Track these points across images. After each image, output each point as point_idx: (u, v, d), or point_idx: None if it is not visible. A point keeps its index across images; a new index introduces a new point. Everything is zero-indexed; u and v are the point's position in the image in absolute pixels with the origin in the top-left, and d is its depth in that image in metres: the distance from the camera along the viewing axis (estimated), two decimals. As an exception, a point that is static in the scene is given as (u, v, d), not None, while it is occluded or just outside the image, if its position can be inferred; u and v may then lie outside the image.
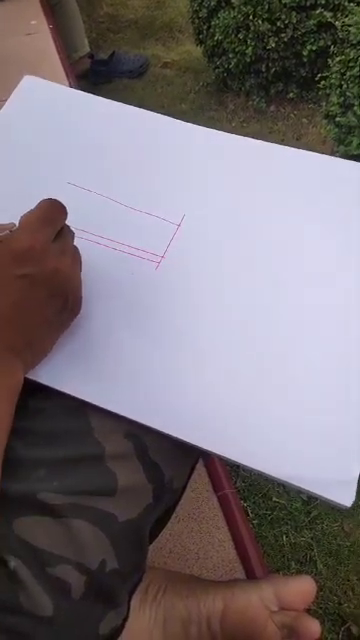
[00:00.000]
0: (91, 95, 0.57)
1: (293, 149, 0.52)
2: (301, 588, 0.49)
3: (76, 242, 0.44)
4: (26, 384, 0.44)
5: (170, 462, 0.40)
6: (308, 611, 0.93)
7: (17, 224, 0.40)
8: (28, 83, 0.58)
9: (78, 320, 0.43)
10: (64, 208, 0.40)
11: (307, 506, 1.09)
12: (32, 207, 0.49)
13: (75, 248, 0.42)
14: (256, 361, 0.42)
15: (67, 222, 0.44)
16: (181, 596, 0.51)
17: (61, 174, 0.52)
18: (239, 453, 0.39)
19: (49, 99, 0.57)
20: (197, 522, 0.61)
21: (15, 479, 0.38)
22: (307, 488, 0.38)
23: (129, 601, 0.39)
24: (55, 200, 0.40)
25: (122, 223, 0.49)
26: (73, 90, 0.58)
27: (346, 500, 0.37)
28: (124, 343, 0.42)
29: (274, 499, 1.09)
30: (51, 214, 0.39)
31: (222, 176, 0.51)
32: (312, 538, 1.05)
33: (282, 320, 0.44)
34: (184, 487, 0.50)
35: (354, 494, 0.37)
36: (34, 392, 0.44)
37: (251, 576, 0.56)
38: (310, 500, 1.09)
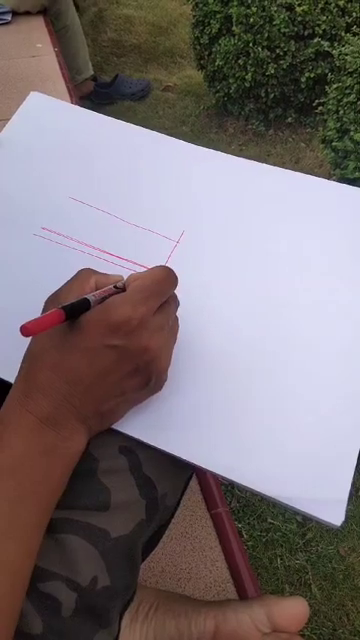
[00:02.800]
0: (95, 113, 0.58)
1: (291, 171, 0.53)
2: (294, 610, 0.49)
3: (75, 255, 0.44)
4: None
5: (164, 478, 0.40)
6: (302, 636, 0.91)
7: (125, 279, 0.38)
8: (34, 99, 0.60)
9: None
10: (176, 279, 0.38)
11: (302, 528, 1.08)
12: (33, 219, 0.52)
13: (175, 320, 0.40)
14: (251, 379, 0.42)
15: (67, 235, 0.45)
16: (172, 615, 0.50)
17: (63, 188, 0.53)
18: (230, 470, 0.39)
19: (54, 115, 0.59)
20: (190, 541, 0.60)
21: None
22: (297, 507, 0.38)
23: (120, 620, 0.39)
24: (169, 270, 0.38)
25: (121, 238, 0.50)
26: (78, 107, 0.59)
27: (336, 520, 0.37)
28: None
29: (269, 520, 1.08)
30: (161, 286, 0.37)
31: (222, 195, 0.52)
32: (307, 561, 1.04)
33: (280, 339, 0.44)
34: (177, 504, 0.50)
35: (344, 514, 0.37)
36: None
37: (243, 596, 0.56)
38: (305, 522, 1.08)
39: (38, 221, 0.51)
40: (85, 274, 0.38)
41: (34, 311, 0.46)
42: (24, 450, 0.33)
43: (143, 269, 0.48)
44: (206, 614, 0.50)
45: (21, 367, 0.36)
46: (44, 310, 0.37)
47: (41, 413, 0.33)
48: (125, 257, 0.49)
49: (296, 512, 0.38)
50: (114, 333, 0.34)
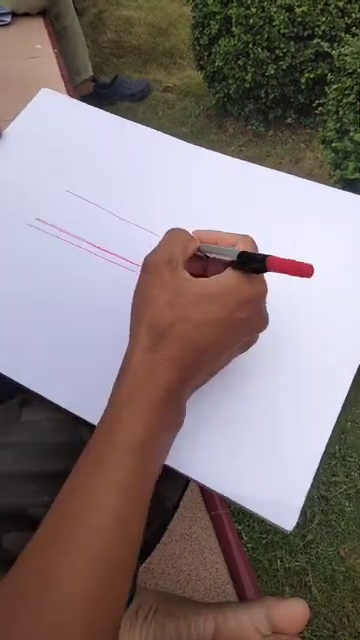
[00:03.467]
0: (103, 111, 0.59)
1: (292, 176, 0.53)
2: (294, 611, 0.49)
3: (66, 248, 0.45)
4: (17, 395, 0.44)
5: (162, 480, 0.40)
6: (302, 638, 0.91)
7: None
8: (44, 95, 0.61)
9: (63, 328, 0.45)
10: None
11: (302, 530, 1.07)
12: (29, 209, 0.52)
13: None
14: (212, 380, 0.42)
15: (60, 227, 0.47)
16: (172, 617, 0.50)
17: (61, 182, 0.54)
18: (187, 467, 0.39)
19: (62, 111, 0.60)
20: (190, 542, 0.60)
21: (5, 493, 0.38)
22: (252, 509, 0.38)
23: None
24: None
25: (115, 235, 0.50)
26: (87, 105, 0.60)
27: (288, 525, 0.37)
28: (111, 359, 0.42)
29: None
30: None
31: (220, 197, 0.52)
32: (307, 563, 1.04)
33: (256, 348, 0.43)
34: (176, 506, 0.50)
35: (296, 519, 0.37)
36: (27, 404, 0.44)
37: (243, 598, 0.55)
38: (305, 524, 1.08)
39: (33, 212, 0.52)
40: (183, 236, 0.38)
41: (19, 297, 0.48)
42: (154, 425, 0.33)
43: (135, 266, 0.48)
44: (206, 616, 0.49)
45: (138, 339, 0.34)
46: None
47: (170, 388, 0.33)
48: (117, 253, 0.49)
49: (248, 512, 0.38)
50: (245, 306, 0.35)
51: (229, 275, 0.35)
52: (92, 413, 0.40)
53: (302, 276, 0.32)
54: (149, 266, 0.36)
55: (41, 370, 0.44)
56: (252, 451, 0.40)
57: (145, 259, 0.36)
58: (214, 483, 0.39)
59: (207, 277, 0.36)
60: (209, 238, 0.38)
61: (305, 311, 0.45)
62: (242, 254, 0.35)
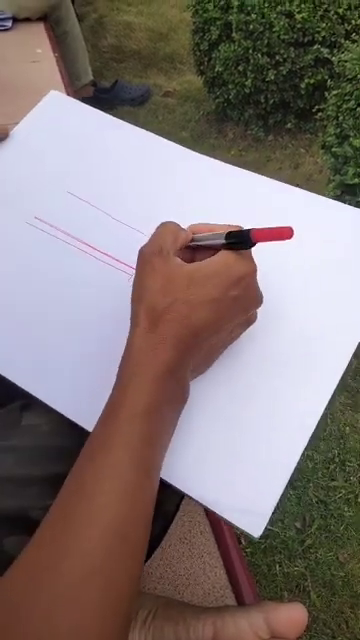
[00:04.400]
0: (110, 116, 0.60)
1: (283, 184, 0.53)
2: (292, 616, 0.48)
3: (63, 248, 0.47)
4: (18, 399, 0.44)
5: (162, 484, 0.40)
6: (301, 642, 0.90)
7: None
8: (53, 97, 0.62)
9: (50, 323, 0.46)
10: None
11: (301, 535, 1.07)
12: (28, 208, 0.53)
13: None
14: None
15: (58, 227, 0.49)
16: (170, 622, 0.50)
17: (63, 183, 0.55)
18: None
19: (69, 113, 0.60)
20: (189, 547, 0.60)
21: (6, 496, 0.38)
22: (220, 514, 0.38)
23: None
24: None
25: (113, 238, 0.51)
26: (94, 109, 0.61)
27: (256, 531, 0.37)
28: (108, 360, 0.42)
29: (268, 527, 1.07)
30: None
31: (216, 204, 0.52)
32: (306, 568, 1.04)
33: (234, 351, 0.43)
34: (175, 510, 0.50)
35: (264, 526, 0.37)
36: (28, 408, 0.44)
37: (241, 602, 0.55)
38: (305, 529, 1.08)
39: (33, 211, 0.53)
40: (173, 228, 0.39)
41: (14, 295, 0.48)
42: (157, 397, 0.34)
43: (131, 269, 0.48)
44: (204, 620, 0.49)
45: (138, 323, 0.36)
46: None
47: (170, 364, 0.35)
48: (115, 256, 0.50)
49: (219, 517, 0.39)
50: (237, 284, 0.36)
51: (218, 256, 0.37)
52: (86, 418, 0.40)
53: (284, 239, 0.34)
54: (142, 257, 0.38)
55: (36, 371, 0.44)
56: (224, 456, 0.40)
57: (139, 252, 0.39)
58: (183, 484, 0.39)
59: None
60: (202, 229, 0.41)
61: (289, 318, 0.45)
62: (229, 234, 0.37)
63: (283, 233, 0.34)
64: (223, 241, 0.38)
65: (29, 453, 0.41)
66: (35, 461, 0.40)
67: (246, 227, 0.38)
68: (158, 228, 0.40)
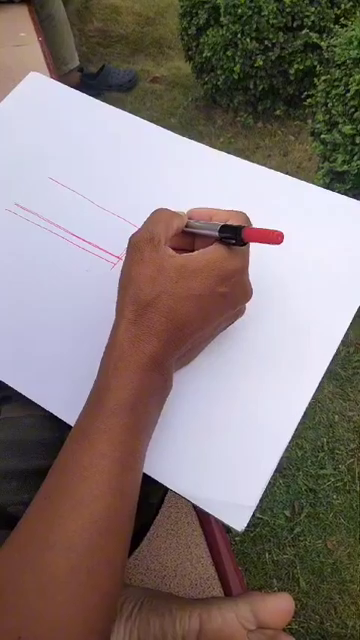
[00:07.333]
0: (92, 98, 0.58)
1: (273, 171, 0.51)
2: (279, 606, 0.48)
3: (43, 235, 0.45)
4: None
5: (146, 476, 0.40)
6: (290, 630, 0.91)
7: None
8: (32, 79, 0.59)
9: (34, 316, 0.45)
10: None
11: (290, 523, 1.08)
12: (8, 194, 0.51)
13: None
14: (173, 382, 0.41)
15: (39, 214, 0.47)
16: (157, 614, 0.49)
17: (44, 168, 0.53)
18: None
19: (50, 96, 0.58)
20: (176, 538, 0.59)
21: None
22: (203, 507, 0.38)
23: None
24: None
25: (95, 225, 0.50)
26: (75, 91, 0.59)
27: (240, 525, 0.37)
28: (89, 352, 0.41)
29: (257, 515, 1.08)
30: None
31: (204, 190, 0.51)
32: (295, 555, 1.04)
33: (219, 342, 0.43)
34: (161, 502, 0.49)
35: (248, 520, 0.37)
36: (8, 401, 0.43)
37: (229, 593, 0.55)
38: (294, 516, 1.08)
39: (13, 197, 0.52)
40: (166, 215, 0.38)
41: None
42: (141, 389, 0.34)
43: (113, 257, 0.47)
44: (191, 612, 0.49)
45: (123, 314, 0.36)
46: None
47: (153, 355, 0.35)
48: (95, 244, 0.49)
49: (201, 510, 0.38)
50: (226, 280, 0.36)
51: (211, 250, 0.36)
52: (67, 411, 0.39)
53: (273, 244, 0.34)
54: (132, 245, 0.37)
55: (15, 362, 0.43)
56: (207, 449, 0.39)
57: (129, 239, 0.37)
58: (165, 478, 0.38)
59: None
60: (202, 215, 0.39)
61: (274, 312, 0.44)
62: (223, 228, 0.36)
63: (273, 238, 0.34)
64: (217, 234, 0.37)
65: (8, 447, 0.40)
66: (14, 455, 0.40)
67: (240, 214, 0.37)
68: (151, 215, 0.38)
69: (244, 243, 0.36)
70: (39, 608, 0.29)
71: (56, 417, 0.40)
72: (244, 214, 0.39)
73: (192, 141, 0.54)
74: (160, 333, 0.34)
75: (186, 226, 0.39)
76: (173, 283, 0.35)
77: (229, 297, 0.37)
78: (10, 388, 0.42)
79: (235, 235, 0.35)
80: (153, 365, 0.35)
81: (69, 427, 0.38)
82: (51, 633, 0.29)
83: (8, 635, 0.28)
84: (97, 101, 0.58)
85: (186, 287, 0.35)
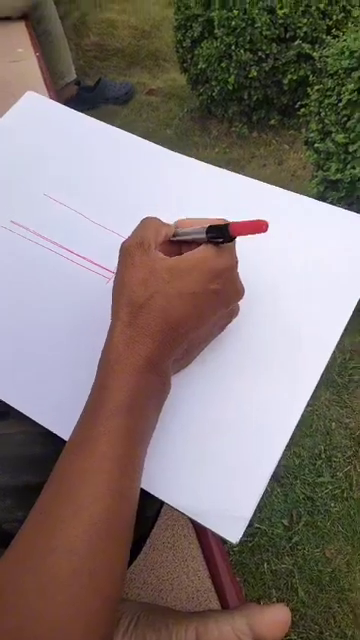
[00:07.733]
0: (88, 117, 0.59)
1: (265, 184, 0.52)
2: (275, 618, 0.48)
3: (40, 252, 0.46)
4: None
5: (141, 490, 0.40)
6: (288, 639, 0.91)
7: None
8: (29, 98, 0.61)
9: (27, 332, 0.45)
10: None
11: (288, 532, 1.08)
12: (4, 212, 0.52)
13: None
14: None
15: (35, 231, 0.48)
16: (153, 629, 0.49)
17: (40, 185, 0.54)
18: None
19: (46, 115, 0.60)
20: (172, 551, 0.60)
21: None
22: (198, 520, 0.38)
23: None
24: None
25: (91, 241, 0.50)
26: (72, 110, 0.60)
27: (234, 537, 0.37)
28: (84, 368, 0.41)
29: (255, 525, 1.08)
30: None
31: (197, 206, 0.52)
32: (293, 565, 1.04)
33: (213, 349, 0.43)
34: (156, 516, 0.49)
35: (242, 531, 0.37)
36: (4, 417, 0.44)
37: (225, 605, 0.55)
38: (292, 525, 1.08)
39: (9, 214, 0.52)
40: (155, 222, 0.39)
41: None
42: (137, 391, 0.34)
43: (108, 272, 0.48)
44: (187, 626, 0.49)
45: (118, 316, 0.36)
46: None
47: (149, 357, 0.35)
48: (90, 259, 0.49)
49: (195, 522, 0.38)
50: (217, 278, 0.37)
51: (201, 249, 0.37)
52: (62, 426, 0.40)
53: (260, 232, 0.35)
54: (123, 250, 0.38)
55: (9, 378, 0.43)
56: (200, 460, 0.39)
57: (120, 246, 0.38)
58: (159, 491, 0.39)
59: None
60: (187, 224, 0.41)
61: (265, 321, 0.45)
62: (210, 228, 0.37)
63: (259, 227, 0.35)
64: (204, 236, 0.38)
65: (2, 464, 0.40)
66: (8, 472, 0.40)
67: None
68: (140, 223, 0.40)
69: (232, 239, 0.37)
70: (39, 608, 0.29)
71: (48, 433, 0.41)
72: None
73: (185, 157, 0.55)
74: (155, 334, 0.35)
75: (174, 235, 0.40)
76: (165, 283, 0.35)
77: (221, 294, 0.37)
78: (4, 404, 0.42)
79: (222, 233, 0.36)
80: (149, 366, 0.35)
81: (61, 442, 0.39)
82: (51, 633, 0.29)
83: (8, 635, 0.29)
84: (92, 119, 0.59)
85: (178, 286, 0.35)
